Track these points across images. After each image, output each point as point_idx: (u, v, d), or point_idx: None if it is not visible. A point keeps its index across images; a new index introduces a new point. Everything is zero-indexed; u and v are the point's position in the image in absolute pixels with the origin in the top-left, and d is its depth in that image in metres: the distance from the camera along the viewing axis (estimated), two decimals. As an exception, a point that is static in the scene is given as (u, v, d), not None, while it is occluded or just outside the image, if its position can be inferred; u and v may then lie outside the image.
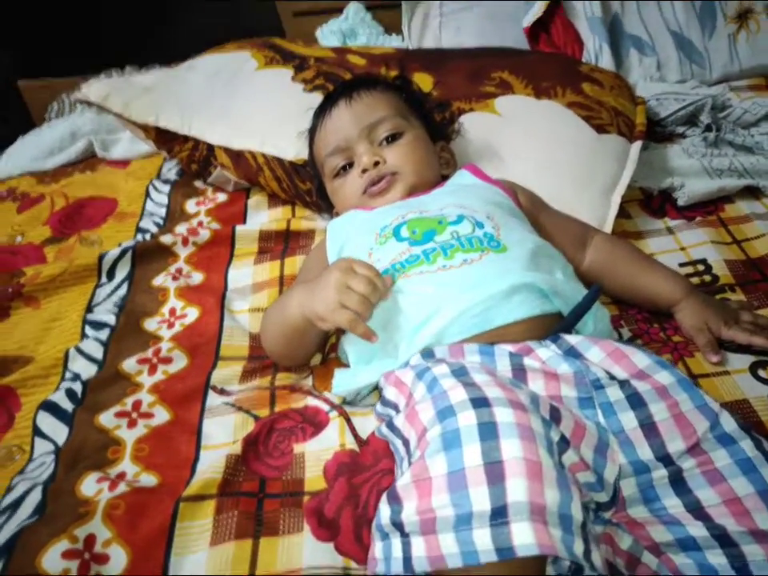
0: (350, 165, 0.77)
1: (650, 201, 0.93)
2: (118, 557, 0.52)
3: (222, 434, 0.63)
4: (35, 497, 0.57)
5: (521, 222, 0.69)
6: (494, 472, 0.39)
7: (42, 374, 0.71)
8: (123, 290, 0.83)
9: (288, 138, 0.97)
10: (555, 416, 0.46)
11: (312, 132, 0.84)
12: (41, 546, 0.51)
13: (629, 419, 0.49)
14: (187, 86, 1.05)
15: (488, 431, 0.40)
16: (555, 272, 0.63)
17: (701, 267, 0.79)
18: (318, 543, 0.53)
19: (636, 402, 0.50)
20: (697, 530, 0.45)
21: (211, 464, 0.59)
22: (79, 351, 0.73)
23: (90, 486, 0.57)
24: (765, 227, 0.84)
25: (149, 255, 0.87)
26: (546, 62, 1.05)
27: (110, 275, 0.85)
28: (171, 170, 1.10)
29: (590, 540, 0.40)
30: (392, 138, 0.77)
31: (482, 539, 0.38)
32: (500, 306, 0.57)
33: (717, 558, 0.44)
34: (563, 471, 0.41)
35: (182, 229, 0.94)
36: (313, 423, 0.63)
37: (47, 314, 0.81)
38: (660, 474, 0.48)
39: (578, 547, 0.38)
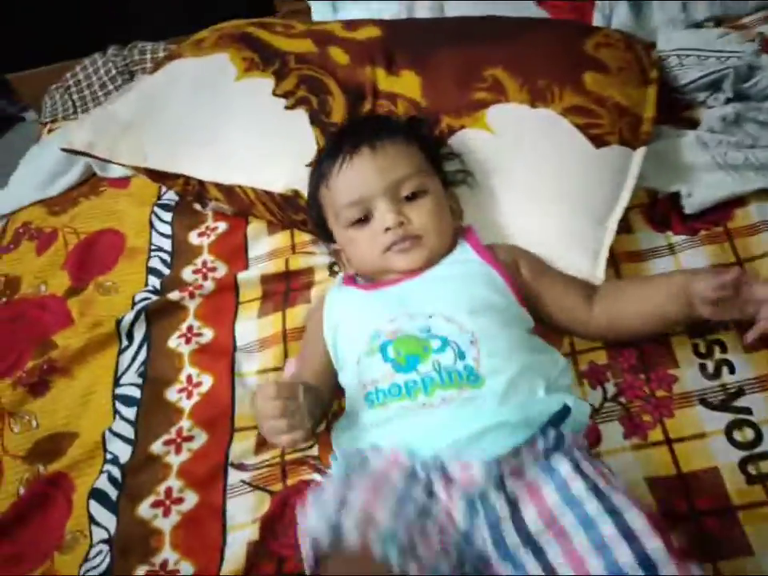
0: (367, 217, 0.77)
1: (656, 206, 0.89)
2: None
3: (243, 513, 0.74)
4: (102, 592, 0.71)
5: (509, 333, 0.70)
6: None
7: (88, 456, 0.82)
8: (143, 355, 0.91)
9: (274, 167, 0.96)
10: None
11: (322, 174, 0.81)
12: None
13: (502, 508, 0.59)
14: (169, 113, 1.03)
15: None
16: (538, 389, 0.66)
17: (696, 297, 0.80)
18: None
19: (504, 492, 0.60)
20: None
21: (235, 552, 0.70)
22: (113, 433, 0.83)
23: (141, 581, 0.70)
24: (771, 242, 0.82)
25: (161, 314, 0.94)
26: (544, 46, 0.95)
27: (129, 337, 0.93)
28: (170, 191, 1.12)
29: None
30: (413, 196, 0.76)
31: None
32: (470, 448, 0.61)
33: None
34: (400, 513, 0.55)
35: (187, 274, 0.99)
36: (319, 500, 0.73)
37: (82, 384, 0.90)
38: (521, 551, 0.57)
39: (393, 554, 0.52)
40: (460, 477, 0.60)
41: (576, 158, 0.84)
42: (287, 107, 0.99)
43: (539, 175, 0.84)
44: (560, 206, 0.83)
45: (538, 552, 0.56)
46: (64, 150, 1.05)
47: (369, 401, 0.69)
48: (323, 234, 0.86)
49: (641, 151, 0.85)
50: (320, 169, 0.82)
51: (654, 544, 0.52)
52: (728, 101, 0.92)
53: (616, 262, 0.84)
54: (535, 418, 0.63)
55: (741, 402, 0.70)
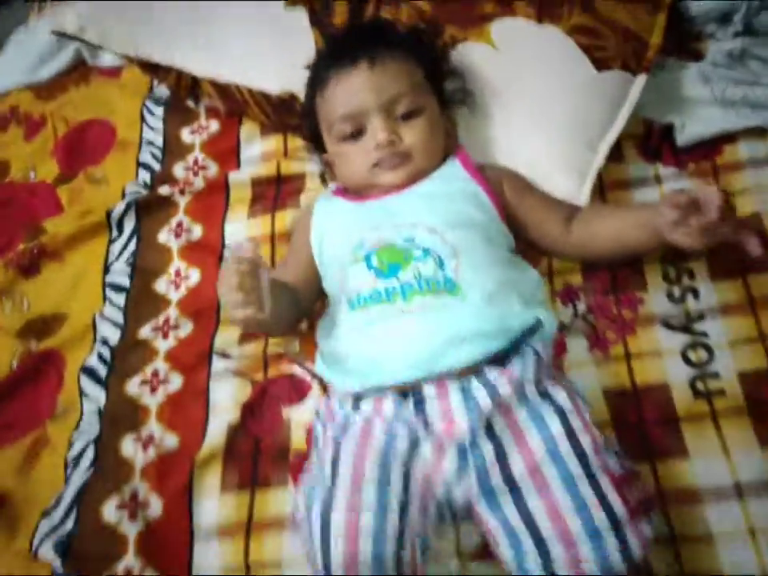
0: (360, 131, 0.77)
1: (649, 137, 0.89)
2: (155, 504, 0.72)
3: (226, 397, 0.79)
4: (90, 453, 0.77)
5: (489, 248, 0.72)
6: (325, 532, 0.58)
7: (78, 336, 0.86)
8: (133, 246, 0.93)
9: (271, 68, 0.95)
10: (407, 472, 0.61)
11: (318, 81, 0.81)
12: (101, 499, 0.72)
13: (488, 451, 0.63)
14: (164, 3, 1.00)
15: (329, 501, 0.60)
16: (513, 302, 0.69)
17: (672, 229, 0.83)
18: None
19: (493, 434, 0.63)
20: (522, 532, 0.60)
21: (217, 429, 0.76)
22: (103, 317, 0.87)
23: (128, 447, 0.76)
24: (754, 179, 0.84)
25: (151, 208, 0.95)
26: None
27: (120, 228, 0.95)
28: (162, 84, 1.10)
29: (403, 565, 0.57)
30: (409, 115, 0.76)
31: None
32: (446, 355, 0.65)
33: (532, 552, 0.59)
34: (384, 525, 0.58)
35: (178, 170, 1.00)
36: (297, 390, 0.78)
37: (72, 269, 0.93)
38: (504, 494, 0.62)
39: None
40: (443, 422, 0.63)
41: (576, 80, 0.85)
42: (287, 5, 0.97)
43: (537, 95, 0.85)
44: (553, 127, 0.84)
45: (519, 498, 0.61)
46: (54, 32, 1.02)
47: (351, 305, 0.71)
48: (315, 143, 0.86)
49: (642, 78, 0.86)
50: (317, 75, 0.81)
51: (620, 509, 0.59)
52: (736, 35, 0.92)
53: (603, 189, 0.86)
54: (509, 328, 0.67)
55: (700, 326, 0.75)
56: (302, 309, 0.80)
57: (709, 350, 0.73)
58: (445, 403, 0.63)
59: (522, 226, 0.80)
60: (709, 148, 0.86)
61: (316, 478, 0.64)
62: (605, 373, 0.74)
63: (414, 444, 0.63)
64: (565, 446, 0.62)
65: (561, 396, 0.65)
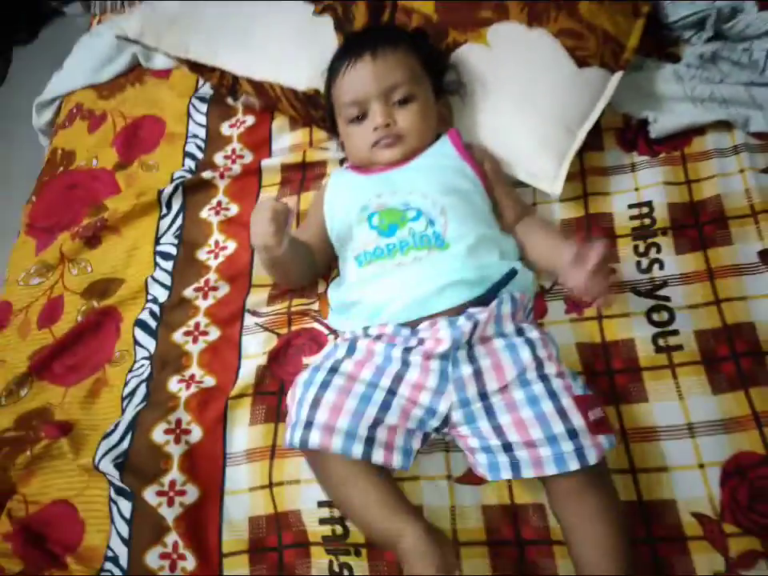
0: (363, 115, 0.91)
1: (628, 129, 1.01)
2: (196, 431, 0.86)
3: (255, 347, 0.93)
4: (142, 391, 0.92)
5: (472, 209, 0.85)
6: (316, 404, 0.73)
7: (133, 296, 1.02)
8: (179, 221, 1.08)
9: (300, 68, 1.09)
10: (398, 379, 0.75)
11: (332, 72, 0.95)
12: (151, 425, 0.86)
13: (466, 369, 0.75)
14: (210, 11, 1.15)
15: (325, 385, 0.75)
16: (492, 255, 0.82)
17: (645, 210, 0.93)
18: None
19: (472, 355, 0.75)
20: (493, 441, 0.73)
21: (247, 372, 0.89)
22: (154, 279, 1.02)
23: (174, 385, 0.91)
24: (719, 167, 0.94)
25: (195, 189, 1.10)
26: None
27: (168, 207, 1.10)
28: (206, 84, 1.25)
29: (374, 446, 0.71)
30: (404, 101, 0.90)
31: (298, 437, 0.73)
32: (435, 299, 0.78)
33: (502, 457, 0.72)
34: (362, 414, 0.72)
35: (219, 158, 1.15)
36: (317, 342, 0.91)
37: (128, 242, 1.08)
38: (477, 405, 0.74)
39: (357, 449, 0.70)
40: (431, 340, 0.75)
41: (559, 75, 0.96)
42: (315, 12, 1.11)
43: (523, 87, 0.96)
44: (537, 115, 0.95)
45: (491, 413, 0.74)
46: (118, 36, 1.19)
47: (358, 262, 0.85)
48: (334, 127, 1.00)
49: (618, 75, 0.97)
50: (332, 68, 0.96)
51: (579, 422, 0.71)
52: (709, 40, 1.02)
53: (584, 174, 0.98)
54: (488, 276, 0.80)
55: (663, 292, 0.86)
56: (314, 266, 0.94)
57: (670, 311, 0.84)
58: (434, 329, 0.76)
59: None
60: (680, 140, 0.97)
61: (319, 363, 0.79)
62: (579, 330, 0.86)
63: (406, 363, 0.76)
64: (532, 372, 0.74)
65: (533, 333, 0.78)
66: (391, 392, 0.75)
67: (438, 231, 0.82)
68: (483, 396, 0.74)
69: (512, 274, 0.80)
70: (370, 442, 0.71)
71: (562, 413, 0.71)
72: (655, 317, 0.85)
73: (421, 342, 0.76)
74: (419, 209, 0.84)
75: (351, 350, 0.80)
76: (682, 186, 0.95)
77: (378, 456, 0.71)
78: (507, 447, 0.72)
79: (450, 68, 0.98)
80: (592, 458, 0.69)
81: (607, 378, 0.82)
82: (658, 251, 0.89)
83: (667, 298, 0.85)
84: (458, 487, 0.78)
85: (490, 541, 0.75)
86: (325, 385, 0.75)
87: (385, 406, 0.74)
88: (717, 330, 0.82)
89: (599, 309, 0.85)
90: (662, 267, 0.88)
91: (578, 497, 0.70)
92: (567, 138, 0.95)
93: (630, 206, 0.94)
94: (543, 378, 0.74)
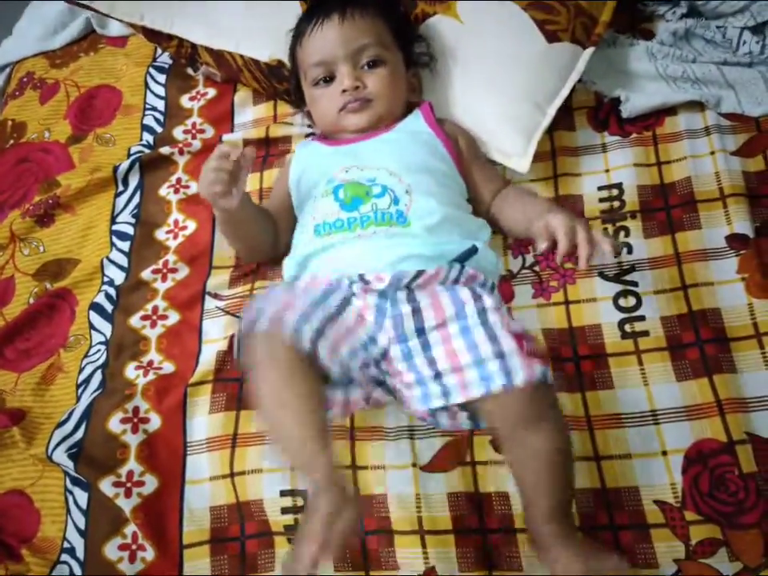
0: (330, 78, 0.88)
1: (600, 108, 0.99)
2: (155, 420, 0.83)
3: (216, 331, 0.90)
4: (98, 376, 0.88)
5: (440, 189, 0.83)
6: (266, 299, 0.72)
7: (88, 278, 0.97)
8: (137, 199, 1.03)
9: (262, 38, 1.04)
10: (345, 302, 0.74)
11: (298, 34, 0.92)
12: (107, 414, 0.83)
13: (405, 308, 0.74)
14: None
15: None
16: (452, 235, 0.80)
17: (615, 192, 0.92)
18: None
19: (412, 298, 0.75)
20: (426, 372, 0.72)
21: (208, 358, 0.86)
22: (110, 261, 0.98)
23: (131, 371, 0.87)
24: (690, 148, 0.93)
25: (153, 166, 1.05)
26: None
27: (125, 183, 1.05)
28: (165, 53, 1.19)
29: (318, 342, 0.69)
30: (373, 64, 0.87)
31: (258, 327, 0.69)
32: (390, 269, 0.76)
33: (433, 387, 0.71)
34: (311, 314, 0.70)
35: (178, 133, 1.10)
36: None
37: (82, 220, 1.03)
38: (414, 342, 0.74)
39: (306, 336, 0.68)
40: (373, 281, 0.75)
41: (528, 51, 0.93)
42: (278, -21, 1.05)
43: (492, 62, 0.93)
44: (506, 91, 0.93)
45: (426, 347, 0.73)
46: (68, 0, 1.11)
47: (316, 232, 0.82)
48: (298, 95, 0.96)
49: (589, 51, 0.94)
50: (297, 29, 0.92)
51: (509, 346, 0.69)
52: (683, 16, 1.00)
53: (555, 153, 0.96)
54: (446, 252, 0.78)
55: (631, 277, 0.85)
56: (277, 237, 0.90)
57: (637, 297, 0.83)
58: (380, 274, 0.76)
59: (465, 182, 0.90)
60: (651, 120, 0.95)
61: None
62: (545, 316, 0.85)
63: (352, 293, 0.76)
64: (470, 307, 0.73)
65: (483, 292, 0.76)
66: (338, 310, 0.74)
67: (401, 210, 0.80)
68: (420, 332, 0.74)
69: (472, 251, 0.79)
70: (318, 335, 0.69)
71: (493, 338, 0.70)
72: (622, 302, 0.84)
73: (366, 282, 0.76)
74: (385, 185, 0.81)
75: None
76: (653, 167, 0.93)
77: (323, 351, 0.69)
78: (438, 376, 0.72)
79: (420, 39, 0.95)
80: (519, 378, 0.66)
81: (573, 365, 0.81)
82: (627, 235, 0.88)
83: (635, 283, 0.84)
84: (423, 475, 0.77)
85: (455, 529, 0.74)
86: (276, 291, 0.74)
87: (331, 317, 0.72)
88: (683, 315, 0.81)
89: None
90: (630, 251, 0.86)
91: (518, 432, 0.68)
92: (536, 114, 0.92)
93: (600, 188, 0.93)
94: (481, 311, 0.73)
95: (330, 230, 0.81)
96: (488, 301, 0.74)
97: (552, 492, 0.68)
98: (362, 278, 0.76)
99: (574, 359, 0.81)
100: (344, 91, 0.86)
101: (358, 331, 0.74)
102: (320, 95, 0.89)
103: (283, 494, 0.76)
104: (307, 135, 1.03)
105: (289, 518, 0.76)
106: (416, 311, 0.74)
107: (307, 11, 0.93)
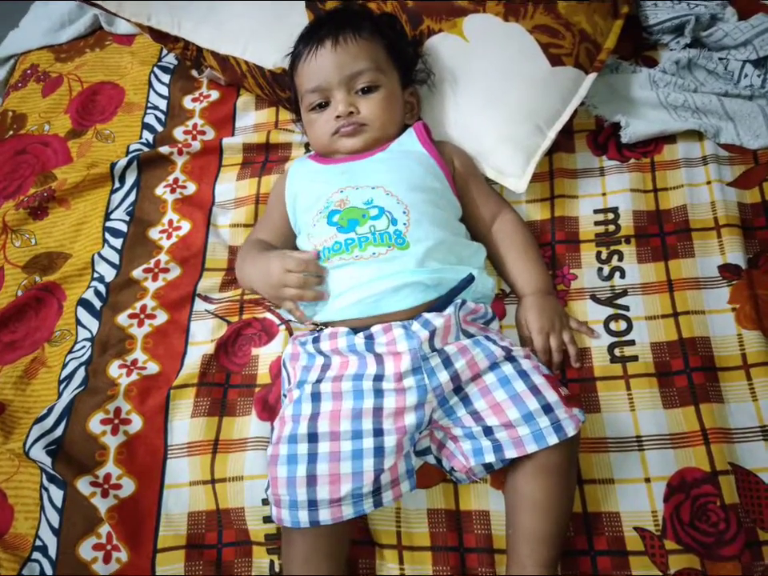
0: (326, 103, 0.88)
1: (600, 132, 0.99)
2: (136, 421, 0.82)
3: (204, 334, 0.89)
4: (81, 373, 0.87)
5: (435, 210, 0.82)
6: (311, 481, 0.69)
7: (78, 273, 0.96)
8: (132, 197, 1.03)
9: (268, 45, 1.04)
10: (378, 413, 0.71)
11: (295, 58, 0.92)
12: (88, 414, 0.82)
13: (443, 376, 0.73)
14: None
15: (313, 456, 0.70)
16: (449, 260, 0.79)
17: (610, 216, 0.92)
18: (260, 423, 0.81)
19: (447, 362, 0.73)
20: (474, 427, 0.72)
21: (193, 360, 0.86)
22: (102, 257, 0.97)
23: (114, 370, 0.86)
24: (687, 177, 0.93)
25: (151, 164, 1.05)
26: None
27: (121, 180, 1.04)
28: (171, 54, 1.19)
29: (382, 493, 0.69)
30: (368, 90, 0.87)
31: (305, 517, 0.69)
32: (390, 298, 0.76)
33: (484, 442, 0.71)
34: (361, 473, 0.69)
35: (178, 133, 1.09)
36: (267, 333, 0.88)
37: (76, 215, 1.02)
38: (454, 399, 0.73)
39: (367, 505, 0.69)
40: (390, 356, 0.73)
41: (531, 73, 0.93)
42: (287, -13, 1.05)
43: (495, 82, 0.93)
44: (507, 111, 0.93)
45: (466, 400, 0.73)
46: (75, -2, 1.12)
47: (319, 259, 0.81)
48: (298, 109, 0.96)
49: (591, 76, 0.94)
50: (294, 52, 0.92)
51: (552, 397, 0.70)
52: (687, 46, 1.01)
53: (553, 174, 0.96)
54: (445, 280, 0.78)
55: (622, 301, 0.85)
56: None
57: (628, 321, 0.83)
58: (389, 335, 0.74)
59: (462, 203, 0.89)
60: (650, 146, 0.96)
61: (291, 429, 0.73)
62: (536, 336, 0.84)
63: (380, 392, 0.73)
64: (501, 356, 0.73)
65: (493, 332, 0.77)
66: (378, 432, 0.71)
67: (400, 230, 0.79)
68: (458, 389, 0.74)
69: (469, 280, 0.79)
70: (377, 491, 0.70)
71: (534, 390, 0.71)
72: (613, 326, 0.84)
73: (379, 359, 0.74)
74: (382, 206, 0.80)
75: (316, 397, 0.74)
76: (649, 193, 0.93)
77: (387, 498, 0.71)
78: (487, 431, 0.71)
79: (420, 57, 0.95)
80: (570, 430, 0.69)
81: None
82: (620, 259, 0.88)
83: (626, 308, 0.84)
84: (404, 490, 0.76)
85: (433, 546, 0.74)
86: (312, 457, 0.70)
87: (378, 453, 0.70)
88: (672, 342, 0.81)
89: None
90: (623, 276, 0.86)
91: (539, 479, 0.70)
92: (537, 136, 0.92)
93: (596, 211, 0.93)
94: (511, 359, 0.74)
95: (329, 254, 0.81)
96: (517, 350, 0.75)
97: (557, 543, 0.69)
98: (375, 355, 0.74)
99: (561, 381, 0.81)
100: (338, 117, 0.86)
101: (404, 439, 0.72)
102: (315, 119, 0.89)
103: (265, 502, 0.76)
104: (307, 144, 1.03)
105: (271, 527, 0.75)
106: (454, 376, 0.73)
107: (304, 34, 0.93)
